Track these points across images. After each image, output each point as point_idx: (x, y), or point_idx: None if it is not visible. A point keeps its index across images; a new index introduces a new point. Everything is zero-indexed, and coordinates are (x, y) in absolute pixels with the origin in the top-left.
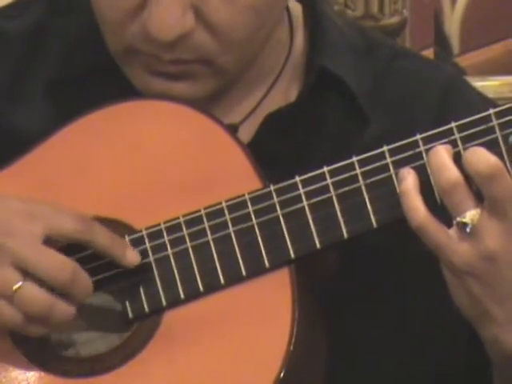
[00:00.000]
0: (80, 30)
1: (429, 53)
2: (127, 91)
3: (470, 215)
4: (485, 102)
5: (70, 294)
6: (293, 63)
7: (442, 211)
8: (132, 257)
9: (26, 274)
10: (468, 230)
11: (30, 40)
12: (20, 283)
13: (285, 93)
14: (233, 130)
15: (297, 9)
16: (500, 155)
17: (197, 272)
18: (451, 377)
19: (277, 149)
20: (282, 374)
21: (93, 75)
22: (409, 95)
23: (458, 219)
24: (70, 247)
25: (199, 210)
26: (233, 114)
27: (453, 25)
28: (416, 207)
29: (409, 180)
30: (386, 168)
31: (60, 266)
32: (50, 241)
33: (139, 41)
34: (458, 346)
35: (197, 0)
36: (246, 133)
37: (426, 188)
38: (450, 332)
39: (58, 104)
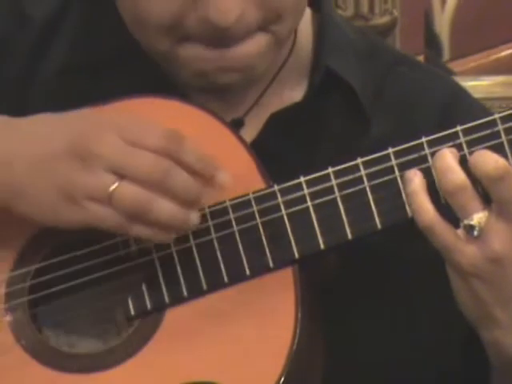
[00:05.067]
0: (96, 17)
1: (420, 58)
2: (135, 83)
3: (477, 218)
4: (487, 114)
5: (169, 191)
6: (299, 63)
7: (448, 213)
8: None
9: (121, 176)
10: (475, 232)
11: (48, 25)
12: (116, 184)
13: (290, 92)
14: (238, 123)
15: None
16: (505, 160)
17: (200, 270)
18: (452, 378)
19: (281, 148)
20: (284, 374)
21: (103, 65)
22: (409, 101)
23: (465, 222)
24: (73, 244)
25: (203, 209)
26: (238, 109)
27: (443, 25)
28: (424, 207)
29: (416, 181)
30: (390, 170)
31: (153, 162)
32: None
33: (196, 30)
34: (458, 347)
35: None
36: (251, 131)
37: (431, 191)
38: (450, 333)
39: (67, 91)
